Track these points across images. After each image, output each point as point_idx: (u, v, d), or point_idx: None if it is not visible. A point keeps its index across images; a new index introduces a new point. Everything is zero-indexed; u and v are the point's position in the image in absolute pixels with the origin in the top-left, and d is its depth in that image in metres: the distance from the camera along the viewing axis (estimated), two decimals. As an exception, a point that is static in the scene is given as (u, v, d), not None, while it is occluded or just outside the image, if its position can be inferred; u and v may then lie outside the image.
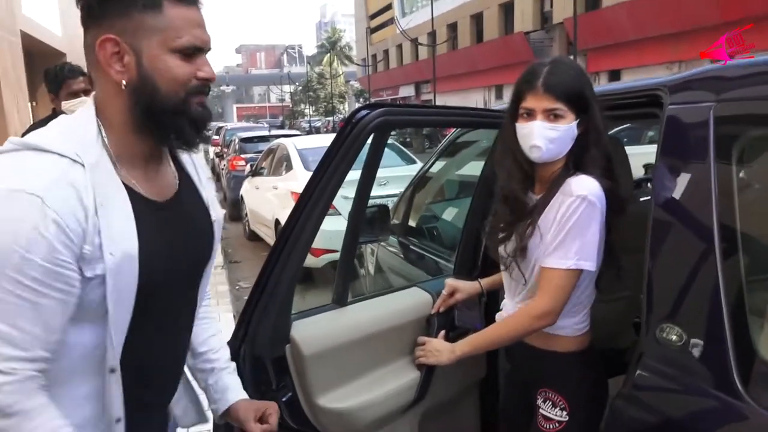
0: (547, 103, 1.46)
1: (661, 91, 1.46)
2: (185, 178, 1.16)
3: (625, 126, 9.11)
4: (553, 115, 1.46)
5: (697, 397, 1.18)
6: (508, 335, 1.58)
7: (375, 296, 1.95)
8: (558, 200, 1.48)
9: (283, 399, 1.60)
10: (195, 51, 1.00)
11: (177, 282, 1.10)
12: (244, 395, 1.32)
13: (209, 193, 1.21)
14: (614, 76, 21.82)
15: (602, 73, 22.36)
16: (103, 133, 1.00)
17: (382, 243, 3.08)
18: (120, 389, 1.02)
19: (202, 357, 1.31)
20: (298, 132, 14.96)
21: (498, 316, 1.72)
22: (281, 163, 6.98)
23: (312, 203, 1.56)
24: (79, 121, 1.00)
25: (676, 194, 1.31)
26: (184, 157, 1.17)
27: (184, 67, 0.99)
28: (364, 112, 1.59)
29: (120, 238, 0.96)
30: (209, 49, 1.03)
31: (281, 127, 30.02)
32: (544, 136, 1.46)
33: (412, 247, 2.87)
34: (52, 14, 18.40)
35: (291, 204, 6.02)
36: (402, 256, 2.93)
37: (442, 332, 1.83)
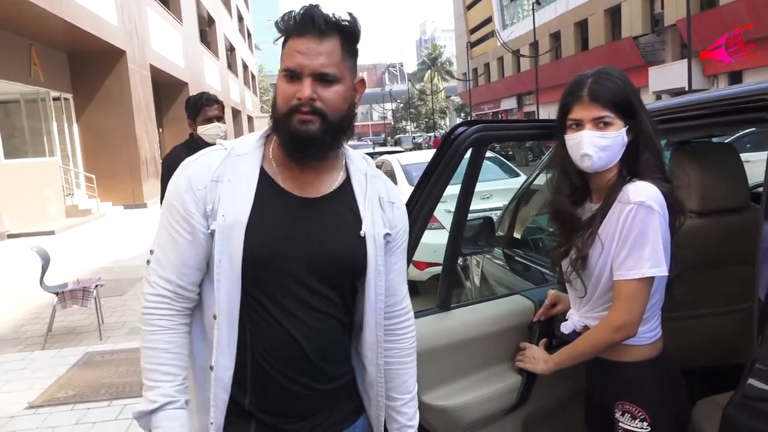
0: (595, 111, 1.47)
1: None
2: (345, 189, 1.27)
3: (748, 131, 8.51)
4: (602, 123, 1.47)
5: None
6: (593, 348, 1.58)
7: (478, 302, 2.03)
8: (617, 209, 1.47)
9: None
10: (293, 74, 1.15)
11: (294, 265, 1.19)
12: None
13: (376, 212, 1.27)
14: (735, 78, 20.37)
15: (721, 75, 20.96)
16: (263, 139, 1.25)
17: (487, 254, 3.14)
18: (221, 337, 1.17)
19: (393, 404, 1.37)
20: (401, 148, 15.24)
21: (563, 326, 1.71)
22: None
23: (413, 216, 1.66)
24: (259, 130, 1.28)
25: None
26: (358, 174, 1.29)
27: (287, 87, 1.16)
28: (461, 129, 1.69)
29: (235, 207, 1.16)
30: (310, 73, 1.14)
31: (383, 144, 30.65)
32: (594, 144, 1.47)
33: (517, 258, 2.91)
34: (176, 47, 20.09)
35: (396, 218, 6.23)
36: (507, 267, 2.98)
37: (544, 340, 1.87)
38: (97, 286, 5.06)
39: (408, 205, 1.69)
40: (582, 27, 31.42)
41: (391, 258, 1.31)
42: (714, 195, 2.03)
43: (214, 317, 1.17)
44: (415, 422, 1.39)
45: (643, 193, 1.44)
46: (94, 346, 4.80)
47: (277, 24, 1.18)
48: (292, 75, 1.15)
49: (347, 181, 1.28)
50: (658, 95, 23.45)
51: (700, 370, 1.99)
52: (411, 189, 6.77)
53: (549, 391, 1.95)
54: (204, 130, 3.27)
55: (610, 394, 1.59)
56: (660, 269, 1.44)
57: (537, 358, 1.76)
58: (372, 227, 1.25)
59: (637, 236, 1.43)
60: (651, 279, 1.46)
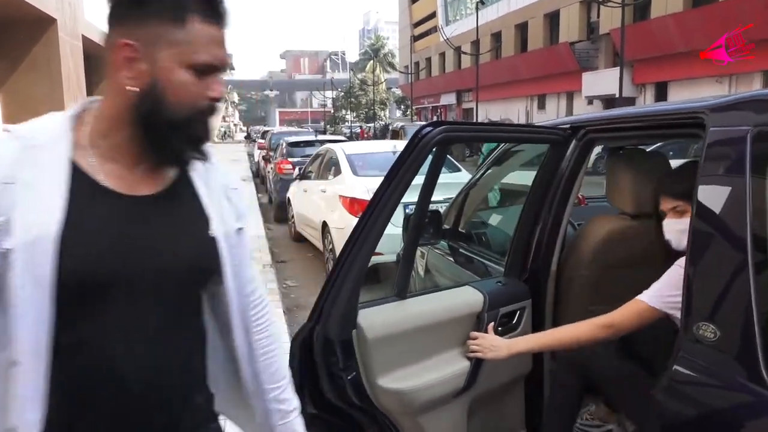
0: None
1: (704, 114, 1.61)
2: (182, 183, 1.08)
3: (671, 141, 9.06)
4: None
5: (729, 389, 1.33)
6: (570, 340, 1.84)
7: (432, 292, 2.14)
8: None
9: (348, 378, 1.81)
10: (210, 69, 0.98)
11: (129, 281, 0.97)
12: None
13: (224, 205, 1.11)
14: (661, 88, 21.50)
15: (648, 85, 22.06)
16: (71, 121, 0.99)
17: (433, 247, 3.26)
18: (25, 389, 0.91)
19: (268, 395, 1.22)
20: (343, 137, 15.24)
21: None
22: (329, 168, 7.21)
23: (380, 207, 1.79)
24: (64, 111, 1.00)
25: (715, 208, 1.46)
26: (195, 164, 1.08)
27: (195, 84, 0.97)
28: (428, 129, 1.80)
29: (39, 216, 0.90)
30: (225, 69, 1.01)
31: (323, 132, 30.54)
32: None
33: (461, 250, 3.05)
34: (111, 19, 19.17)
35: (339, 207, 6.29)
36: (452, 259, 3.11)
37: (491, 325, 2.04)
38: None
39: (375, 196, 1.77)
40: (522, 29, 32.26)
41: (243, 250, 1.16)
42: (646, 199, 2.22)
43: (14, 363, 0.90)
44: (297, 404, 1.27)
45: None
46: None
47: None
48: (204, 70, 0.97)
49: (183, 173, 1.08)
50: (590, 100, 24.46)
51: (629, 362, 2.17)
52: (355, 180, 6.81)
53: (493, 376, 2.09)
54: None
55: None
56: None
57: (498, 346, 1.94)
58: (222, 224, 1.09)
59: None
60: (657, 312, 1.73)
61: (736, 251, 1.38)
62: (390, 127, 28.66)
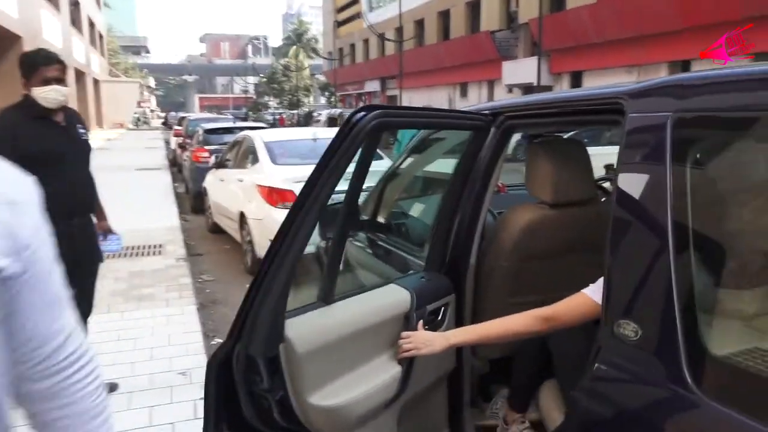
0: None
1: (623, 99, 1.54)
2: None
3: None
4: None
5: (650, 389, 1.27)
6: (507, 332, 1.75)
7: (358, 293, 1.98)
8: None
9: (275, 398, 1.63)
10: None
11: None
12: None
13: None
14: (576, 77, 22.26)
15: (564, 74, 22.79)
16: None
17: (351, 239, 3.12)
18: None
19: None
20: (264, 124, 14.79)
21: None
22: (247, 156, 6.93)
23: (310, 201, 1.57)
24: None
25: (635, 195, 1.39)
26: None
27: None
28: (361, 114, 1.62)
29: None
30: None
31: (245, 119, 29.63)
32: None
33: (380, 243, 2.92)
34: (8, -4, 17.76)
35: (257, 197, 6.04)
36: (371, 252, 2.97)
37: (421, 322, 1.92)
38: None
39: (302, 193, 1.59)
40: (444, 17, 32.49)
41: (31, 295, 0.85)
42: (565, 188, 2.16)
43: None
44: None
45: None
46: None
47: None
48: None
49: None
50: (510, 88, 25.00)
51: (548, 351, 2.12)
52: (274, 168, 6.57)
53: (423, 378, 1.98)
54: (41, 93, 2.87)
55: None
56: None
57: (431, 339, 1.82)
58: None
59: None
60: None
61: (656, 242, 1.32)
62: (313, 114, 28.06)
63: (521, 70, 23.88)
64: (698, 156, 1.40)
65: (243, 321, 1.59)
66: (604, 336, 1.40)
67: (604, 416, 1.40)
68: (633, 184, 1.41)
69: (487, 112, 2.14)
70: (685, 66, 16.42)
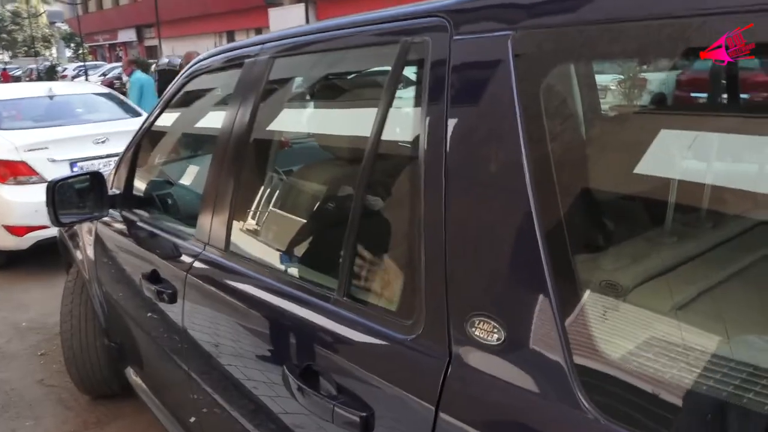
0: None
1: (441, 17, 1.17)
2: None
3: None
4: None
5: (526, 403, 0.94)
6: None
7: None
8: None
9: None
10: None
11: None
12: None
13: None
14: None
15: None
16: None
17: (99, 221, 2.43)
18: None
19: None
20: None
21: None
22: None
23: None
24: None
25: (473, 141, 1.04)
26: None
27: None
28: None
29: None
30: None
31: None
32: None
33: (140, 223, 2.27)
34: None
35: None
36: (130, 236, 2.31)
37: None
38: None
39: None
40: (203, -41, 30.11)
41: None
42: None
43: None
44: None
45: None
46: None
47: None
48: None
49: None
50: (280, 37, 24.32)
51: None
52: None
53: None
54: None
55: None
56: None
57: None
58: None
59: None
60: None
61: (512, 201, 0.98)
62: (57, 69, 24.19)
63: (288, 17, 23.26)
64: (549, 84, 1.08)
65: None
66: (455, 338, 1.05)
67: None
68: (468, 126, 1.07)
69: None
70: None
